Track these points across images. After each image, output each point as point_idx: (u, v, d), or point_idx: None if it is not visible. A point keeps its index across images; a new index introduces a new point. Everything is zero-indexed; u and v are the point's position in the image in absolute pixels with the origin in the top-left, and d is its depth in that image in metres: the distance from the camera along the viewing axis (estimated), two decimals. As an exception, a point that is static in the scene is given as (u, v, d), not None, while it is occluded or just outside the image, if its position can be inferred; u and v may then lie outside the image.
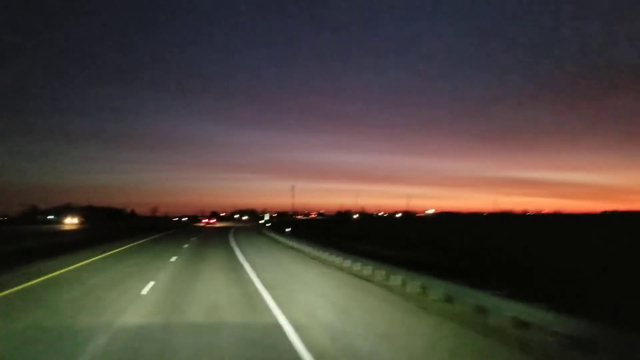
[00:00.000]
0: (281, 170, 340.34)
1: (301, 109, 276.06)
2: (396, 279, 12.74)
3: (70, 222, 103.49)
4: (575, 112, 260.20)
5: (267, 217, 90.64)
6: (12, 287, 13.33)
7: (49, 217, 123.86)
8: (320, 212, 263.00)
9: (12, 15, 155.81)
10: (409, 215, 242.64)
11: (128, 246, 31.12)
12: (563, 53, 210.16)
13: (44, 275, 16.00)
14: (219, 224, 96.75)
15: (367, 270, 15.14)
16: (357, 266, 16.20)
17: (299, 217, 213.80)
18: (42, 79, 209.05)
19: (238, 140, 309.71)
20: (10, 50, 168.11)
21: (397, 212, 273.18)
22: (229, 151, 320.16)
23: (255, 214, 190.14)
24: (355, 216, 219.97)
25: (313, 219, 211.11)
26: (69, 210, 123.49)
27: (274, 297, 11.33)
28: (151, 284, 13.65)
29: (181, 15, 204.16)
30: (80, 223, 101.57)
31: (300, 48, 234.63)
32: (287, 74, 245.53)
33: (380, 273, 13.97)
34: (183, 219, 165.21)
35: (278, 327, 8.34)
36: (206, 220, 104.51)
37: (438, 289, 10.44)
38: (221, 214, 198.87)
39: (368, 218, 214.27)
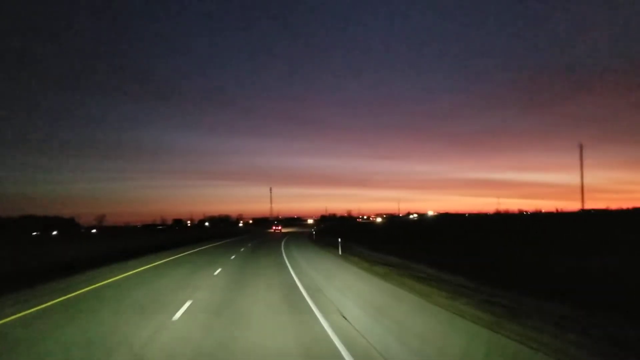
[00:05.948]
0: (256, 176, 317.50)
1: (276, 114, 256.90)
2: None
3: None
4: (543, 114, 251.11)
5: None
6: None
7: None
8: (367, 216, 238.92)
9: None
10: (393, 219, 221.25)
11: None
12: (530, 56, 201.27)
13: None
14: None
15: None
16: None
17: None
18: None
19: (212, 148, 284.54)
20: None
21: (378, 216, 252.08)
22: (202, 158, 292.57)
23: (228, 221, 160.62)
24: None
25: (371, 223, 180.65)
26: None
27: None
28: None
29: (152, 23, 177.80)
30: None
31: (273, 54, 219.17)
32: (261, 80, 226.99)
33: None
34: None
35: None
36: (274, 227, 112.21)
37: None
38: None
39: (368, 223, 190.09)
